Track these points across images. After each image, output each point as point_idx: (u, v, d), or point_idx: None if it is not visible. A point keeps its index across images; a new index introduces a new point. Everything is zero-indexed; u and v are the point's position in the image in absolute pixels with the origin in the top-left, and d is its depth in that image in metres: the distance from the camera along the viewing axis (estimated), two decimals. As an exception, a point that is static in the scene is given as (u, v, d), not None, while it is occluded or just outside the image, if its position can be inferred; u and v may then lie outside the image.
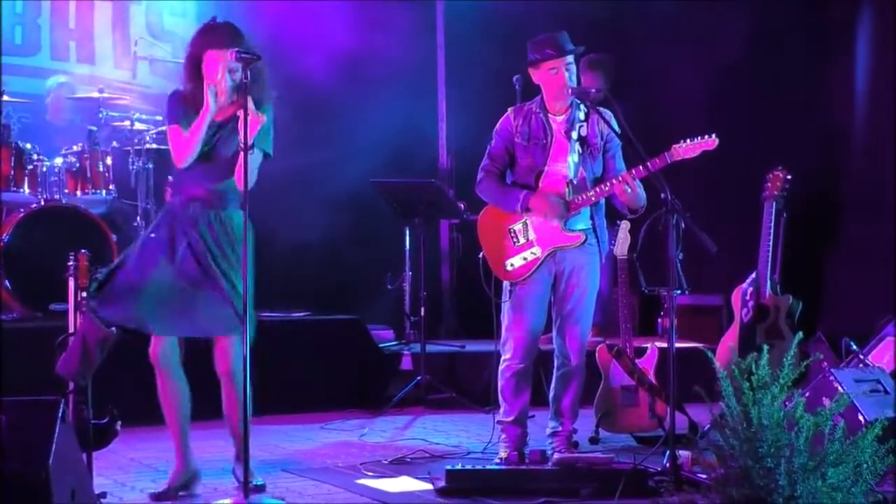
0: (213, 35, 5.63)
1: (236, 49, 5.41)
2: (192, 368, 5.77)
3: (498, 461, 6.22)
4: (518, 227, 6.33)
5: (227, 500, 5.40)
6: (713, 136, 5.98)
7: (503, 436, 6.41)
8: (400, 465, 6.29)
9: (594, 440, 6.87)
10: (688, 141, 6.02)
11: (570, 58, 6.27)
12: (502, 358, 6.40)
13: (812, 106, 9.57)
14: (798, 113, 9.54)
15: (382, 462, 6.36)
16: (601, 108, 6.33)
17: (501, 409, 6.43)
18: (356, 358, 8.57)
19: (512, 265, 6.33)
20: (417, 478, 5.93)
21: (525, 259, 6.30)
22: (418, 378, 8.34)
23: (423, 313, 8.64)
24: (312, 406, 8.10)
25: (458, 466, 5.75)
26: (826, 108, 9.57)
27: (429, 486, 5.72)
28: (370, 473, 6.07)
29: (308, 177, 9.65)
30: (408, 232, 9.22)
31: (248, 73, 5.33)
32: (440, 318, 10.33)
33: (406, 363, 8.78)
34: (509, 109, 6.49)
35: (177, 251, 5.54)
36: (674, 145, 6.03)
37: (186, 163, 5.58)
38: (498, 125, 6.47)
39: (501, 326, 6.40)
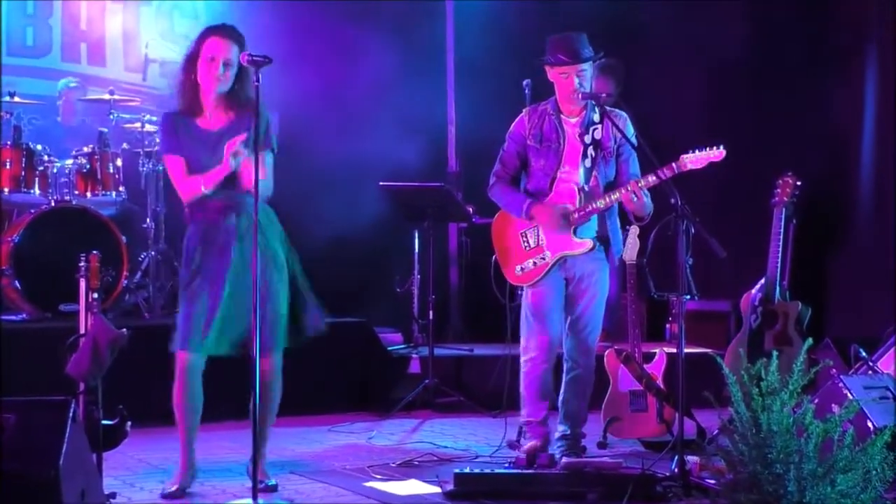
0: (216, 27, 5.70)
1: (247, 52, 5.42)
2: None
3: (518, 456, 6.22)
4: (529, 231, 6.35)
5: (237, 502, 5.41)
6: (720, 147, 5.98)
7: (527, 432, 6.40)
8: (408, 469, 6.29)
9: (602, 445, 6.86)
10: (696, 152, 6.02)
11: (586, 63, 6.27)
12: (524, 359, 6.41)
13: (818, 109, 9.55)
14: (804, 116, 9.53)
15: (390, 465, 6.35)
16: (615, 111, 6.33)
17: (526, 410, 6.44)
18: (364, 361, 8.58)
19: (521, 269, 6.35)
20: (425, 481, 5.92)
21: (535, 264, 6.32)
22: (426, 381, 8.35)
23: (431, 316, 8.63)
24: (320, 408, 8.09)
25: (467, 470, 5.76)
26: (833, 111, 9.55)
27: (437, 490, 5.72)
28: (378, 476, 6.07)
29: (316, 180, 9.65)
30: (416, 235, 9.24)
31: (259, 76, 5.33)
32: (448, 321, 10.33)
33: (414, 366, 8.79)
34: (524, 111, 6.49)
35: (227, 267, 5.58)
36: (682, 155, 6.03)
37: (193, 201, 5.59)
38: (511, 128, 6.47)
39: (520, 329, 6.43)
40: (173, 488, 5.61)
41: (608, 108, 6.33)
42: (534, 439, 6.36)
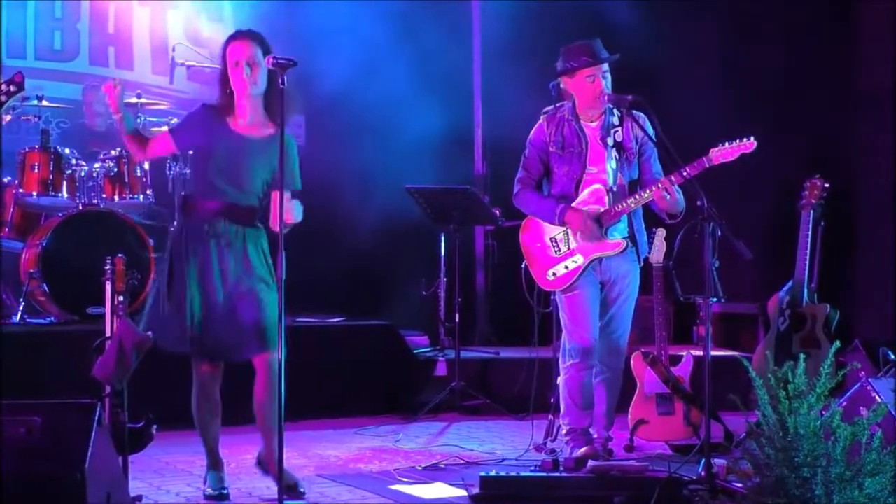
0: (234, 33, 5.70)
1: (272, 55, 5.41)
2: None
3: (544, 459, 6.20)
4: (559, 235, 6.33)
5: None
6: (751, 138, 5.96)
7: (570, 441, 6.39)
8: (434, 472, 6.29)
9: (629, 448, 6.84)
10: (726, 144, 5.99)
11: (606, 65, 6.27)
12: (565, 365, 6.39)
13: (846, 111, 9.51)
14: (831, 119, 9.48)
15: (416, 468, 6.35)
16: (635, 112, 6.32)
17: (568, 419, 6.42)
18: (390, 364, 8.57)
19: (554, 274, 6.34)
20: (451, 484, 5.92)
21: (567, 268, 6.31)
22: (452, 384, 8.34)
23: (457, 319, 8.62)
24: (346, 411, 8.11)
25: (493, 473, 5.75)
26: (860, 113, 9.50)
27: (463, 493, 5.71)
28: (404, 479, 6.07)
29: (343, 182, 9.66)
30: (443, 238, 9.23)
31: (284, 80, 5.32)
32: (474, 324, 10.32)
33: (440, 369, 8.78)
34: (542, 118, 6.48)
35: (211, 270, 5.55)
36: (711, 149, 6.00)
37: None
38: (531, 135, 6.46)
39: (562, 334, 6.44)
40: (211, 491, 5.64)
41: (629, 111, 6.32)
42: (580, 447, 6.33)
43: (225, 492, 5.64)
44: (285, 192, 5.33)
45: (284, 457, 5.26)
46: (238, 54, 5.57)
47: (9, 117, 8.30)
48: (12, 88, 5.94)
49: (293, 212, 5.49)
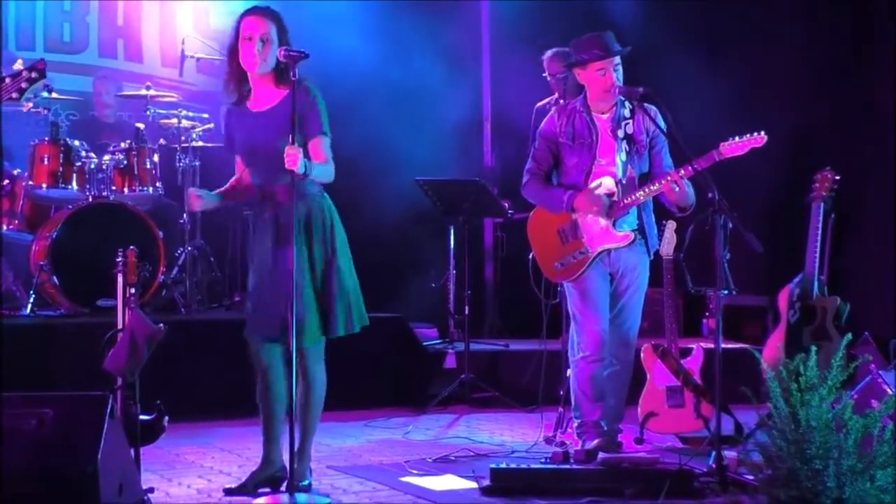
0: (249, 9, 5.62)
1: (284, 47, 5.40)
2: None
3: (554, 451, 6.20)
4: (567, 226, 6.33)
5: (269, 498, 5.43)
6: (762, 132, 5.95)
7: (583, 434, 6.38)
8: (444, 464, 6.29)
9: (639, 440, 6.83)
10: (736, 138, 5.99)
11: (617, 58, 6.27)
12: (575, 358, 6.39)
13: (855, 103, 9.49)
14: (842, 110, 9.46)
15: (427, 460, 6.35)
16: (646, 105, 6.32)
17: (580, 412, 6.42)
18: (400, 356, 8.56)
19: (561, 265, 6.33)
20: (462, 476, 5.92)
21: (574, 259, 6.30)
22: (462, 376, 8.34)
23: (466, 312, 8.63)
24: (356, 404, 8.09)
25: (503, 465, 5.75)
26: (871, 104, 9.48)
27: (473, 485, 5.71)
28: (415, 471, 6.07)
29: (353, 175, 9.63)
30: (452, 230, 9.23)
31: (296, 71, 5.31)
32: (484, 316, 10.32)
33: (450, 362, 8.78)
34: (552, 109, 6.49)
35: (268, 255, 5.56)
36: (721, 143, 6.00)
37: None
38: (542, 126, 6.47)
39: (571, 326, 6.44)
40: (232, 485, 5.63)
41: (640, 104, 6.32)
42: (591, 439, 6.34)
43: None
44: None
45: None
46: (252, 29, 5.47)
47: (30, 105, 8.29)
48: (34, 75, 5.96)
49: (296, 156, 5.29)
